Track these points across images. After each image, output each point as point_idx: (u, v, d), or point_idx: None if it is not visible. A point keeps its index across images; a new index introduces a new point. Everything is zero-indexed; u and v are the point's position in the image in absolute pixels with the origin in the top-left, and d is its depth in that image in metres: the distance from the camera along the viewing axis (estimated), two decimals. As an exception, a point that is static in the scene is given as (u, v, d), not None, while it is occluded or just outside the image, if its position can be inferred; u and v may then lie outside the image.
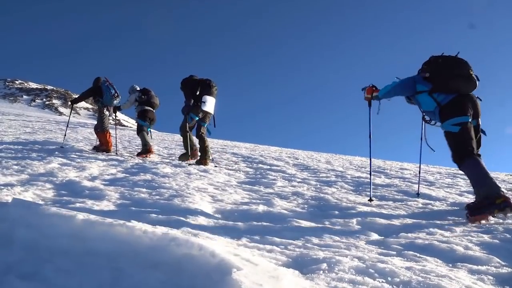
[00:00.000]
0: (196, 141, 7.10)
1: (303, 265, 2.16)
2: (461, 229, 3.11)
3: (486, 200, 3.32)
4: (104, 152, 7.77)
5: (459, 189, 5.30)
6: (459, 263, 2.30)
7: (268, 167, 6.95)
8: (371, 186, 4.45)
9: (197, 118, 6.84)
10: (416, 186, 5.45)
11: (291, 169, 6.87)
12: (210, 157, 6.92)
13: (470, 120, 3.63)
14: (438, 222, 3.32)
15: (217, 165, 6.89)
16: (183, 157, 7.14)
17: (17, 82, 69.48)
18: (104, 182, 4.63)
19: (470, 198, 4.63)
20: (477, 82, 3.73)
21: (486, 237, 2.83)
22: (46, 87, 69.36)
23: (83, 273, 1.93)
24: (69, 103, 8.96)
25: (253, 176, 5.85)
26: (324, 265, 2.10)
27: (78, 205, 3.33)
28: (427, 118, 4.09)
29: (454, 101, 3.68)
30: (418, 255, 2.42)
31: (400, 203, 4.25)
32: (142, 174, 5.29)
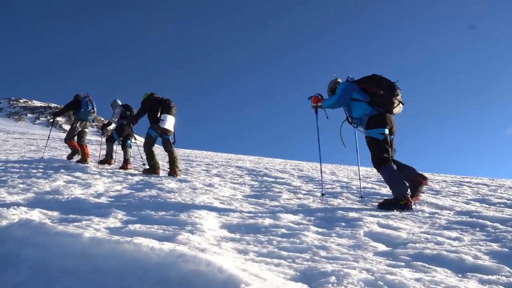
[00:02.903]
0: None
1: (312, 279, 2.14)
2: (470, 238, 3.08)
3: (394, 200, 4.32)
4: (79, 161, 8.19)
5: (466, 197, 5.27)
6: (468, 273, 2.28)
7: (273, 179, 6.95)
8: (322, 182, 4.67)
9: (155, 134, 7.35)
10: (423, 195, 5.42)
11: (296, 181, 6.86)
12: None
13: (388, 133, 4.56)
14: (446, 231, 3.30)
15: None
16: (147, 171, 7.31)
17: (21, 100, 70.14)
18: (110, 199, 4.63)
19: (476, 206, 4.61)
20: (402, 107, 4.69)
21: (495, 246, 2.80)
22: (50, 104, 69.94)
23: (91, 292, 1.93)
24: (51, 116, 9.65)
25: (258, 189, 5.84)
26: (333, 278, 2.08)
27: (84, 222, 3.32)
28: (352, 122, 4.86)
29: (383, 115, 4.54)
30: (427, 265, 2.40)
31: (406, 213, 4.22)
32: (147, 190, 5.30)
